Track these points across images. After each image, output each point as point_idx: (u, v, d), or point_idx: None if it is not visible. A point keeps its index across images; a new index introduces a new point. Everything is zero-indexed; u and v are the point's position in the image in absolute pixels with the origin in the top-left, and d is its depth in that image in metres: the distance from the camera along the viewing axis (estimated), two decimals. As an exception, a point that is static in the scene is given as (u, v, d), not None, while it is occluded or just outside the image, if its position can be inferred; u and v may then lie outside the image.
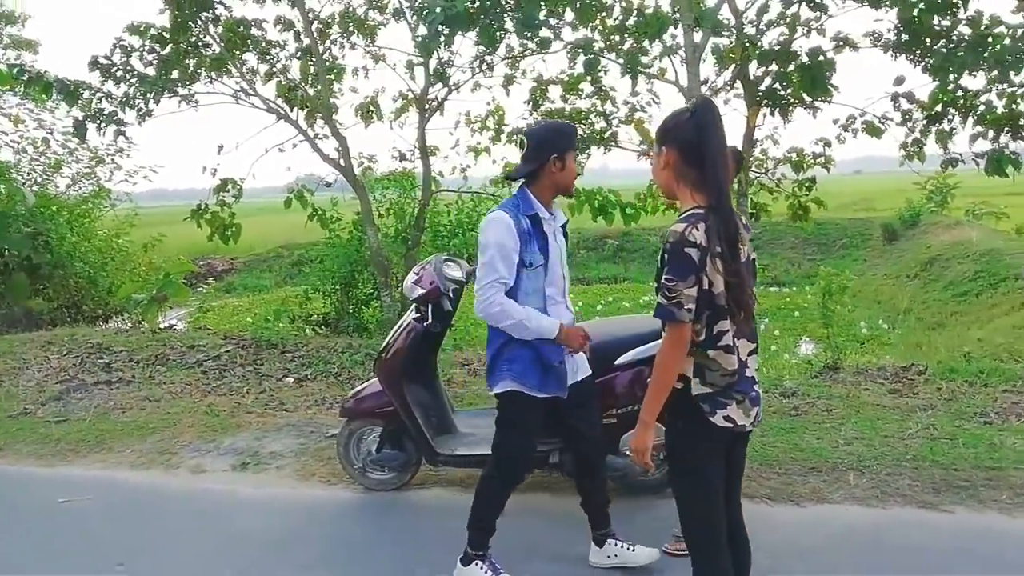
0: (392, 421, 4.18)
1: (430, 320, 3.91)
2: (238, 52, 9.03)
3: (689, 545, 2.47)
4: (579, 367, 3.26)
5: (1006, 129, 7.43)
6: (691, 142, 2.32)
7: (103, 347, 7.60)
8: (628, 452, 3.08)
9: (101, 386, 6.55)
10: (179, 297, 9.41)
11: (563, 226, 3.24)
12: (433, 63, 8.52)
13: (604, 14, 7.95)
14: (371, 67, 9.44)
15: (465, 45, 7.57)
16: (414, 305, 4.10)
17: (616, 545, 3.38)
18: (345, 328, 9.33)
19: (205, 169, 9.06)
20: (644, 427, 2.38)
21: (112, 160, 12.93)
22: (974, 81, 7.30)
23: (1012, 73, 6.46)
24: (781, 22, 7.28)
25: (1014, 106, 7.46)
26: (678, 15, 7.23)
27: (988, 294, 11.89)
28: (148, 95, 8.52)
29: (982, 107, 7.50)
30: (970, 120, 7.59)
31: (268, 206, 9.20)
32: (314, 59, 9.22)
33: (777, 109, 7.42)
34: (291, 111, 9.08)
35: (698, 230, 2.22)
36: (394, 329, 4.27)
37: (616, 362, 3.86)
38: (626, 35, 7.39)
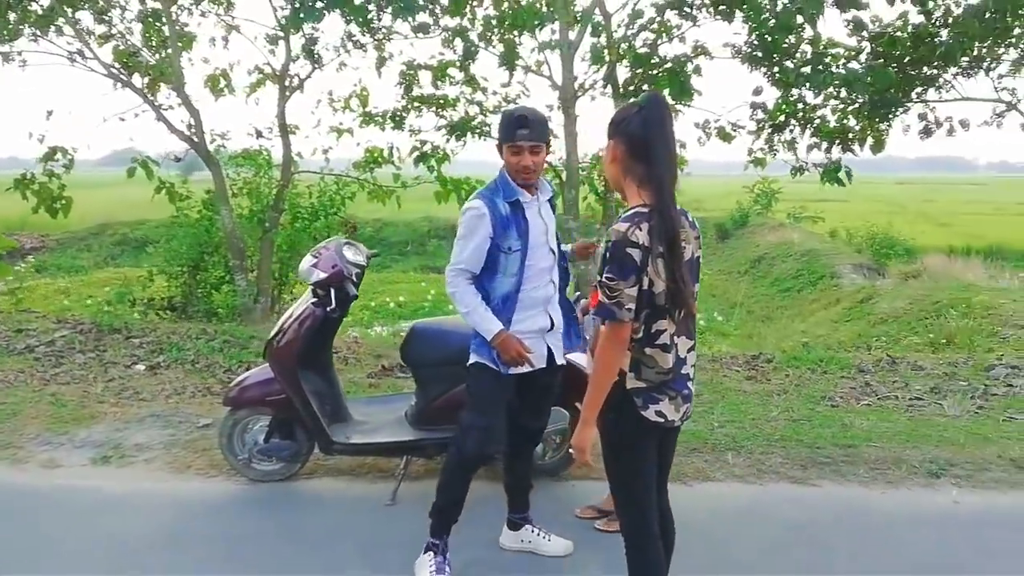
0: (283, 409, 3.96)
1: (333, 305, 3.74)
2: (71, 9, 8.17)
3: (623, 530, 2.54)
4: (556, 351, 3.23)
5: (837, 141, 8.24)
6: (637, 137, 2.29)
7: (-93, 331, 6.64)
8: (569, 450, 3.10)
9: (-89, 375, 5.72)
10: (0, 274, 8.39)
11: (550, 200, 3.20)
12: (300, 39, 8.16)
13: (476, 3, 7.96)
14: (225, 38, 8.88)
15: (331, 22, 7.27)
16: (311, 289, 3.91)
17: (532, 531, 3.42)
18: (194, 313, 8.74)
19: (32, 135, 8.16)
20: (585, 425, 2.37)
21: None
22: (813, 96, 8.03)
23: (857, 93, 7.10)
24: (649, 27, 7.61)
25: (845, 121, 8.29)
26: (554, 12, 7.38)
27: (808, 290, 13.13)
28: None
29: (818, 120, 8.28)
30: (807, 131, 8.36)
31: (86, 180, 8.40)
32: (162, 23, 8.55)
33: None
34: (131, 78, 8.36)
35: (641, 230, 2.20)
36: (288, 314, 4.05)
37: None
38: (504, 26, 7.42)
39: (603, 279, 2.24)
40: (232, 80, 8.93)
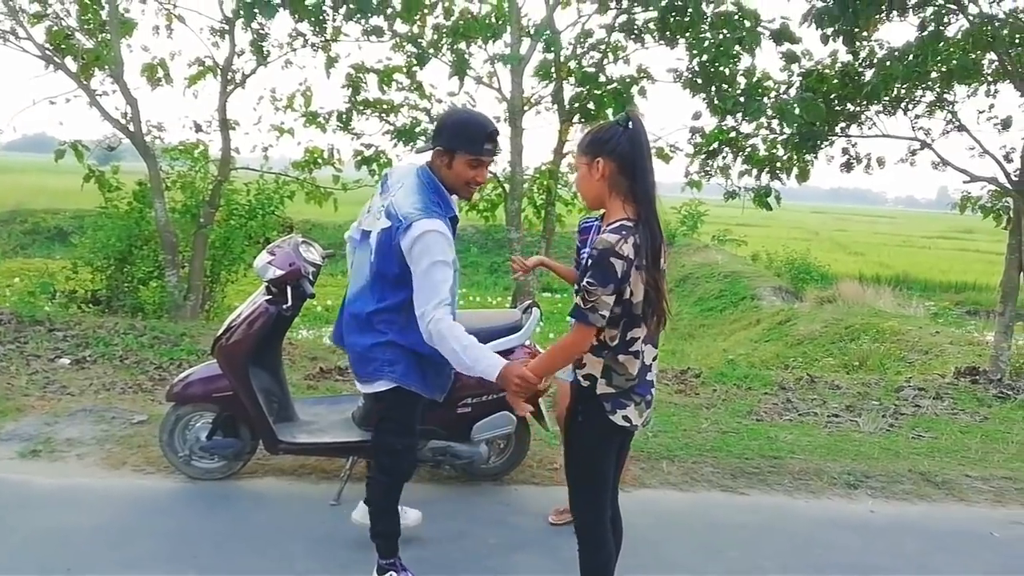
0: (229, 407, 3.92)
1: (289, 303, 3.74)
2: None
3: (578, 529, 2.65)
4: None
5: (767, 169, 8.65)
6: (627, 155, 2.38)
7: None
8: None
9: None
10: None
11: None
12: (247, 34, 8.05)
13: (426, 10, 8.03)
14: (169, 26, 8.68)
15: (277, 19, 7.19)
16: (264, 287, 3.89)
17: None
18: (119, 308, 8.47)
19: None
20: (532, 372, 2.49)
21: None
22: (746, 125, 8.42)
23: (788, 125, 7.48)
24: (597, 48, 7.84)
25: (774, 151, 8.71)
26: (507, 25, 7.52)
27: (731, 310, 13.64)
28: None
29: (749, 148, 8.68)
30: (739, 158, 8.75)
31: None
32: (99, 6, 8.29)
33: (587, 126, 7.99)
34: (63, 62, 8.07)
35: (627, 243, 2.30)
36: (238, 311, 4.00)
37: None
38: (456, 36, 7.51)
39: (583, 284, 2.33)
40: (171, 70, 8.73)
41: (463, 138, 2.80)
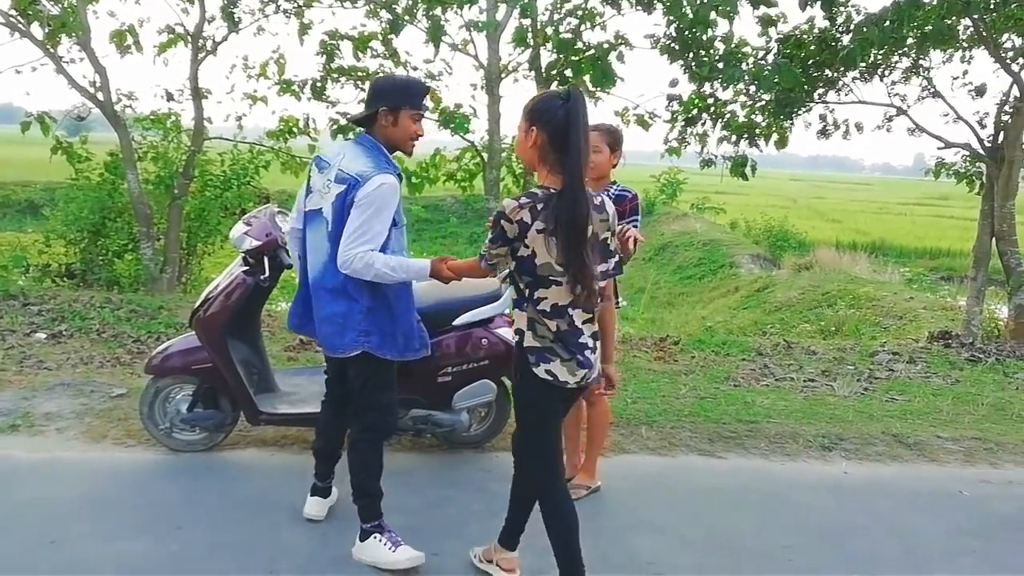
0: (208, 378, 3.91)
1: (267, 274, 3.71)
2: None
3: (534, 483, 2.82)
4: None
5: (745, 136, 8.66)
6: (560, 128, 2.46)
7: None
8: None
9: None
10: None
11: None
12: (218, 0, 7.88)
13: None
14: (136, -8, 8.48)
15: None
16: (241, 257, 3.86)
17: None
18: (94, 281, 8.36)
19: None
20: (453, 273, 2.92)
21: None
22: (724, 92, 8.41)
23: (764, 90, 7.48)
24: (574, 14, 7.75)
25: (752, 117, 8.72)
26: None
27: (709, 278, 13.74)
28: None
29: (728, 115, 8.68)
30: (719, 125, 8.75)
31: None
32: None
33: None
34: (28, 29, 7.86)
35: (524, 210, 2.44)
36: (214, 282, 3.97)
37: (454, 323, 3.96)
38: (431, 1, 7.40)
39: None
40: (140, 38, 8.53)
41: (406, 95, 2.99)
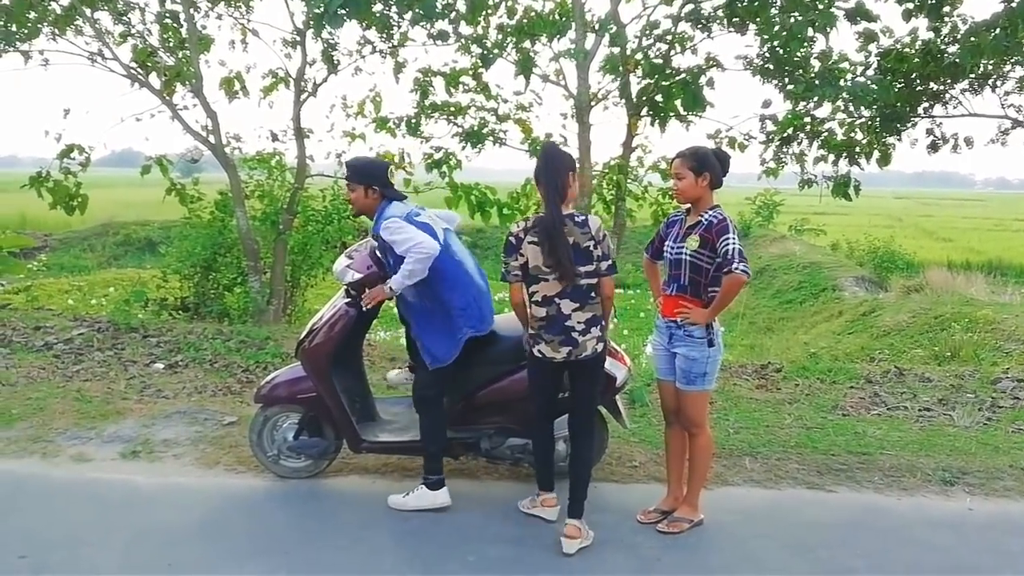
0: (312, 407, 4.04)
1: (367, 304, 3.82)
2: (89, 9, 8.25)
3: (531, 428, 3.79)
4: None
5: (844, 154, 8.37)
6: (537, 175, 3.49)
7: (-75, 326, 6.69)
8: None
9: (-67, 370, 5.78)
10: (12, 272, 8.46)
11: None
12: (318, 44, 8.26)
13: (490, 11, 8.06)
14: (244, 40, 8.97)
15: (347, 27, 7.36)
16: (344, 290, 3.99)
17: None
18: (207, 314, 8.80)
19: (48, 133, 8.24)
20: None
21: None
22: (821, 109, 8.16)
23: (861, 107, 7.23)
24: (664, 39, 7.72)
25: (852, 135, 8.42)
26: (571, 20, 7.48)
27: (810, 302, 13.22)
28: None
29: (826, 133, 8.41)
30: (815, 144, 8.49)
31: (86, 179, 8.47)
32: (179, 24, 8.64)
33: (656, 120, 7.88)
34: (147, 79, 8.44)
35: (518, 227, 3.48)
36: (319, 314, 4.12)
37: None
38: (520, 34, 7.52)
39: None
40: (247, 83, 9.02)
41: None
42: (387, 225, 3.62)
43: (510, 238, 3.45)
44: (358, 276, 3.81)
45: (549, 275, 3.38)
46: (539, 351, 3.46)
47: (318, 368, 3.93)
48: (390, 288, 3.66)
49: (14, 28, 7.94)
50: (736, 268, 3.37)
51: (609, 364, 3.95)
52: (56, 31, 8.36)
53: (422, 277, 3.62)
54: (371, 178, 3.77)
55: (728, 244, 3.43)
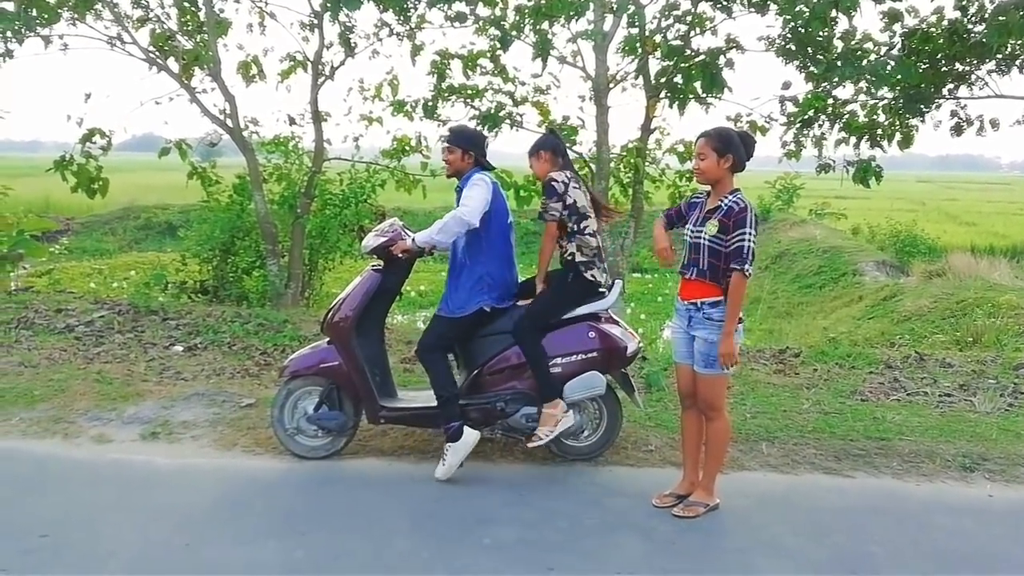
0: (335, 376, 4.12)
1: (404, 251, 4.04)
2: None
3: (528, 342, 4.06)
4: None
5: (865, 137, 8.24)
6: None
7: (-50, 308, 6.79)
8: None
9: (-42, 351, 5.87)
10: (34, 255, 8.55)
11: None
12: (335, 27, 8.24)
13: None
14: (261, 24, 8.96)
15: (363, 9, 7.36)
16: (371, 266, 4.15)
17: None
18: (225, 297, 8.87)
19: (70, 118, 8.30)
20: None
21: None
22: (843, 91, 8.03)
23: (882, 87, 7.10)
24: (683, 20, 7.62)
25: (874, 117, 8.28)
26: (590, 1, 7.39)
27: (830, 287, 13.08)
28: (6, 33, 7.72)
29: (847, 115, 8.27)
30: (836, 126, 8.35)
31: (106, 163, 8.53)
32: (197, 8, 8.65)
33: (675, 102, 7.79)
34: (166, 63, 8.46)
35: (561, 174, 4.06)
36: (346, 291, 4.24)
37: (563, 316, 4.14)
38: (538, 15, 7.45)
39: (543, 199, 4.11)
40: (264, 66, 9.02)
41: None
42: (476, 180, 4.06)
43: (555, 184, 4.00)
44: (383, 240, 4.02)
45: (590, 213, 4.05)
46: (592, 275, 4.05)
47: (342, 332, 4.08)
48: (413, 239, 4.00)
49: (35, 13, 7.98)
50: (746, 269, 3.41)
51: (620, 333, 4.16)
52: (76, 16, 8.41)
53: (449, 238, 3.99)
54: (472, 145, 4.21)
55: (743, 240, 3.41)
